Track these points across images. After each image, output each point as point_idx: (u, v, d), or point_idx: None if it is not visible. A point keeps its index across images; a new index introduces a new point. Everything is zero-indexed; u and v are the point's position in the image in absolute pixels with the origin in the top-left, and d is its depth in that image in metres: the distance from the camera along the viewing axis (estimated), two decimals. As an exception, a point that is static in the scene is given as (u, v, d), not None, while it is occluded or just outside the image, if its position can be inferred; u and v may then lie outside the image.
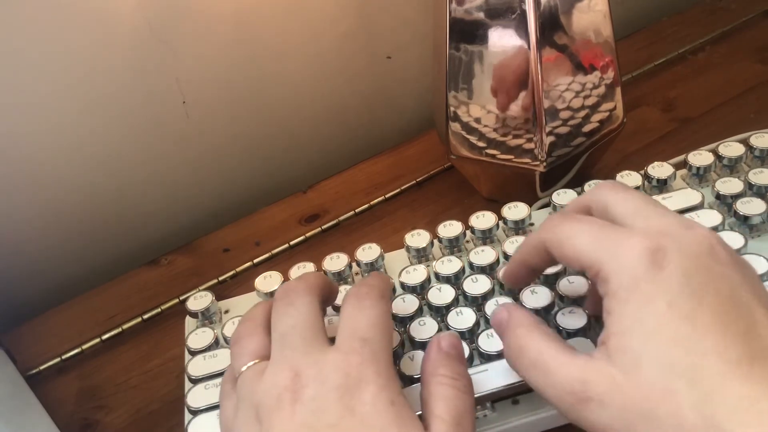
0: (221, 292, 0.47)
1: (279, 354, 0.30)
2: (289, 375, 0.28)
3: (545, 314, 0.36)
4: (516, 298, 0.37)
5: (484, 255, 0.40)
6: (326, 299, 0.34)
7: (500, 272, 0.37)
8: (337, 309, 0.37)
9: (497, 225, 0.42)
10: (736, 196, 0.41)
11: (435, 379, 0.30)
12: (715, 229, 0.39)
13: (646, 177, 0.44)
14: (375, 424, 0.27)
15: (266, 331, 0.32)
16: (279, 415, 0.28)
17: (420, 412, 0.29)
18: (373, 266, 0.42)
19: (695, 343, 0.25)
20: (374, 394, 0.28)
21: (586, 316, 0.35)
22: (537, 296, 0.37)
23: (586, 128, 0.47)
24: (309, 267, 0.42)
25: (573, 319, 0.35)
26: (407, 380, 0.34)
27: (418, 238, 0.42)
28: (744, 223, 0.40)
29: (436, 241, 0.43)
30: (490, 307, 0.37)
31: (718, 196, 0.41)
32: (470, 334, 0.36)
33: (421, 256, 0.42)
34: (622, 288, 0.27)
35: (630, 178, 0.44)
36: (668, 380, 0.25)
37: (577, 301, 0.36)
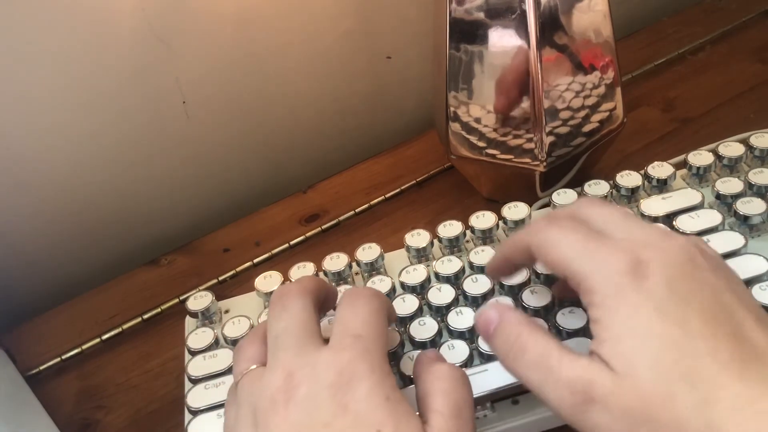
0: (221, 292, 0.47)
1: (273, 357, 0.30)
2: (282, 375, 0.28)
3: (545, 314, 0.36)
4: (516, 298, 0.37)
5: (484, 255, 0.40)
6: (323, 302, 0.33)
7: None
8: None
9: (497, 225, 0.42)
10: (736, 196, 0.41)
11: (430, 375, 0.30)
12: (715, 229, 0.39)
13: (646, 177, 0.44)
14: (370, 421, 0.27)
15: (265, 339, 0.32)
16: (274, 416, 0.28)
17: (418, 413, 0.29)
18: (373, 266, 0.42)
19: (688, 346, 0.25)
20: (368, 391, 0.27)
21: (586, 316, 0.35)
22: (537, 296, 0.37)
23: (586, 128, 0.47)
24: (309, 267, 0.42)
25: (573, 319, 0.35)
26: (407, 380, 0.34)
27: (418, 238, 0.42)
28: (744, 223, 0.40)
29: (436, 241, 0.43)
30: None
31: (718, 196, 0.41)
32: (470, 334, 0.36)
33: (421, 256, 0.42)
34: (608, 298, 0.27)
35: (630, 178, 0.44)
36: (666, 384, 0.25)
37: (575, 302, 0.36)
